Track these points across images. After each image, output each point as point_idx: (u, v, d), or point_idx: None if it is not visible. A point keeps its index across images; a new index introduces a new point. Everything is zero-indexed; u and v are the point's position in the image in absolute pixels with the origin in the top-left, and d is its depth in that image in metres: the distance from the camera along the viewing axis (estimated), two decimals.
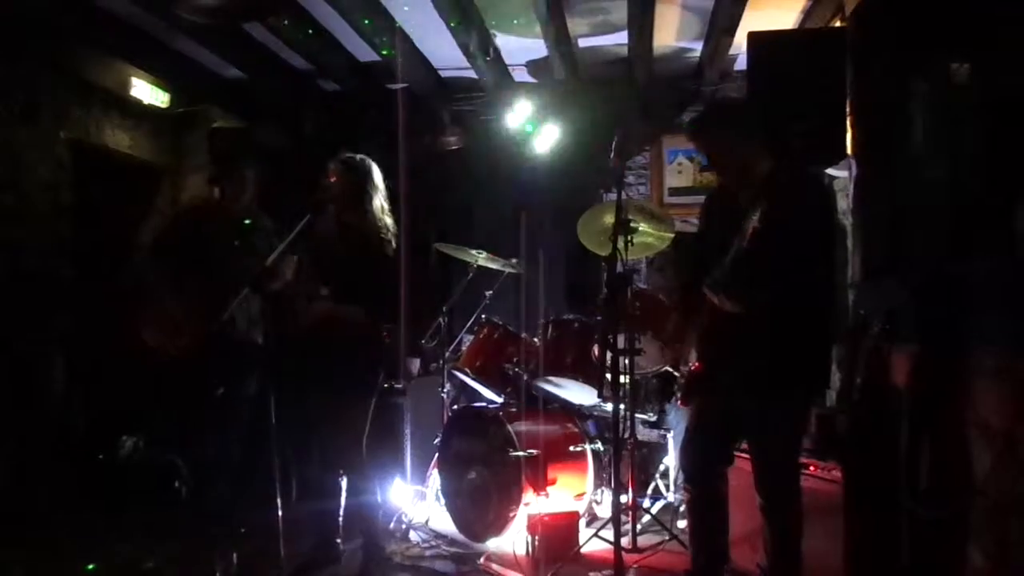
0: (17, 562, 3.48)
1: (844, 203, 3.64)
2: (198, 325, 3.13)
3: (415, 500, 4.05)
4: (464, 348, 4.51)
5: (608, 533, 3.25)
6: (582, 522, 3.72)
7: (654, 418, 4.22)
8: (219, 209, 3.46)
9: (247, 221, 3.41)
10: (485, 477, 3.74)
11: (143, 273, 3.40)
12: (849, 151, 2.85)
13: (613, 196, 3.35)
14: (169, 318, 3.22)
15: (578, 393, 4.00)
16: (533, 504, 3.58)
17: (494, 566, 3.40)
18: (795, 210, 2.46)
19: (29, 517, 3.99)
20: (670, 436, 4.10)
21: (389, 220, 3.33)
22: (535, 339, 4.12)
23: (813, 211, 2.54)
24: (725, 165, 2.70)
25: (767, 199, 2.39)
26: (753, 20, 3.96)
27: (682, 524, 3.63)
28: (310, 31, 4.55)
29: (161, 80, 5.16)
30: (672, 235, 3.88)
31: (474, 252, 4.22)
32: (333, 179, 3.26)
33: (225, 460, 3.30)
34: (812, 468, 2.92)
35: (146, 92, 5.11)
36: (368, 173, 3.30)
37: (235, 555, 3.07)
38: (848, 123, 2.80)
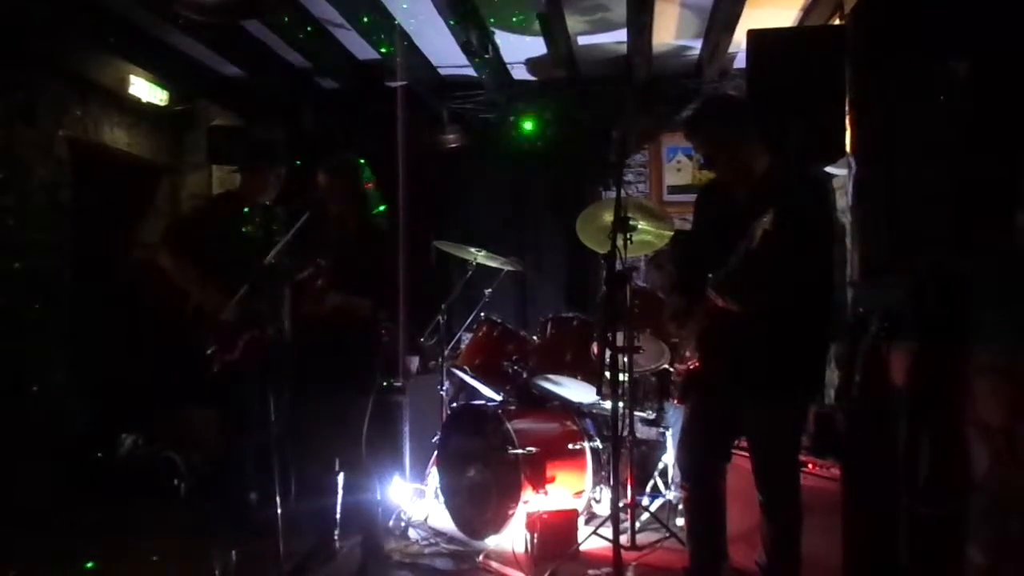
0: (17, 561, 3.48)
1: (843, 201, 3.64)
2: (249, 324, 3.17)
3: (414, 498, 4.05)
4: (463, 346, 4.51)
5: (607, 531, 3.26)
6: (581, 520, 3.72)
7: (653, 416, 4.22)
8: (246, 205, 3.48)
9: (275, 210, 3.43)
10: (484, 475, 3.74)
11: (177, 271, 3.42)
12: (848, 149, 2.85)
13: (612, 194, 3.35)
14: (226, 320, 3.24)
15: (577, 391, 4.01)
16: (532, 502, 3.58)
17: (493, 564, 3.41)
18: (807, 212, 2.45)
19: (28, 516, 3.99)
20: (669, 434, 4.10)
21: (381, 217, 3.33)
22: (534, 337, 4.12)
23: (823, 213, 2.54)
24: (721, 162, 2.69)
25: (776, 200, 2.36)
26: (752, 18, 3.96)
27: (680, 522, 3.63)
28: (309, 28, 4.54)
29: (159, 78, 5.16)
30: (671, 232, 3.88)
31: (473, 250, 4.22)
32: (324, 178, 3.27)
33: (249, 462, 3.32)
34: (811, 466, 2.92)
35: (144, 90, 5.11)
36: (359, 171, 3.31)
37: (234, 553, 3.07)
38: (847, 121, 2.80)
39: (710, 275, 2.53)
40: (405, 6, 4.24)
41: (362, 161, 3.35)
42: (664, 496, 4.14)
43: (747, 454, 2.72)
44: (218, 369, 3.29)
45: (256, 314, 3.15)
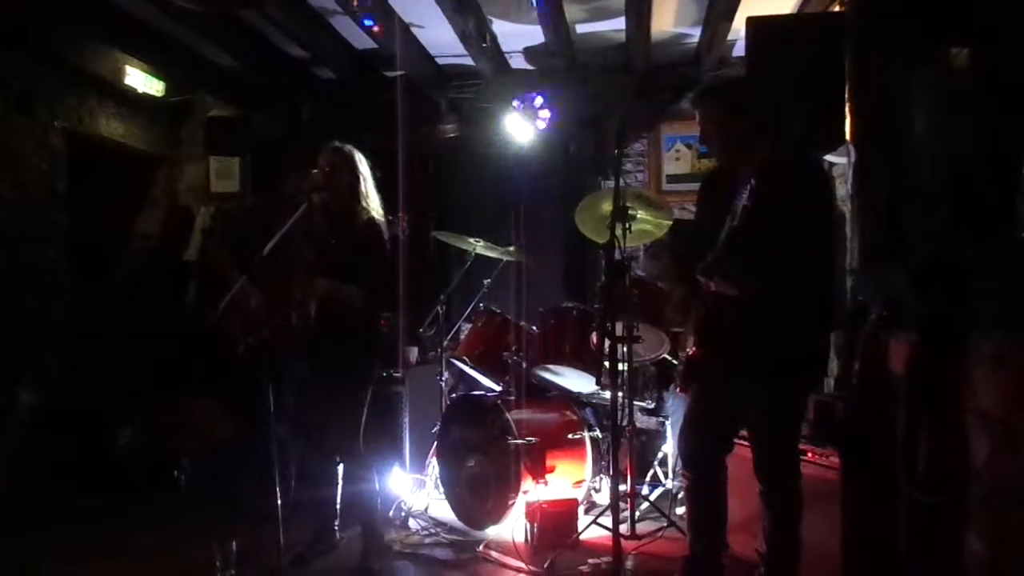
0: (18, 554, 3.49)
1: (843, 189, 3.64)
2: (272, 318, 3.17)
3: (414, 488, 4.06)
4: (462, 336, 4.51)
5: (607, 520, 3.26)
6: (581, 509, 3.73)
7: (652, 405, 4.23)
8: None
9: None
10: (484, 465, 3.74)
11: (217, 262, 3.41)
12: (848, 137, 2.83)
13: (611, 183, 3.34)
14: (242, 311, 3.24)
15: (576, 381, 4.01)
16: (532, 492, 3.59)
17: (493, 553, 3.42)
18: (783, 188, 2.46)
19: (28, 507, 4.00)
20: (668, 423, 4.11)
21: (377, 207, 3.32)
22: (533, 327, 4.12)
23: (808, 192, 2.53)
24: (715, 139, 2.69)
25: (759, 178, 2.40)
26: (752, 5, 3.94)
27: (680, 511, 3.64)
28: (306, 19, 4.52)
29: (155, 68, 5.13)
30: (670, 222, 3.88)
31: (472, 240, 4.21)
32: (322, 169, 3.25)
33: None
34: (810, 455, 2.92)
35: (140, 80, 5.08)
36: (354, 161, 3.29)
37: (234, 543, 3.08)
38: (847, 109, 2.78)
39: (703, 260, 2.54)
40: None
41: (358, 153, 3.33)
42: (664, 485, 4.15)
43: (747, 443, 2.73)
44: (243, 351, 3.29)
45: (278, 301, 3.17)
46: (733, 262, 2.49)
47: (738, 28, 4.23)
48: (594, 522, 3.49)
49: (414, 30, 4.79)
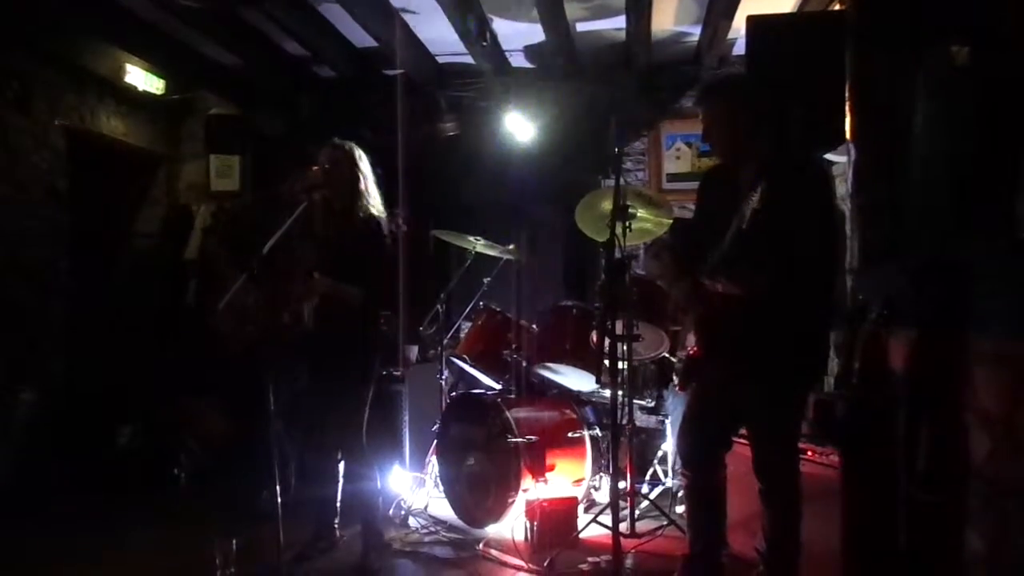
0: (18, 553, 3.49)
1: (843, 188, 3.64)
2: (266, 317, 3.18)
3: (414, 486, 4.06)
4: (462, 335, 4.51)
5: (606, 518, 3.26)
6: (580, 508, 3.73)
7: (652, 404, 4.23)
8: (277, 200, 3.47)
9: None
10: (484, 463, 3.74)
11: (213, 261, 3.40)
12: (848, 136, 2.83)
13: (611, 182, 3.34)
14: (239, 309, 3.24)
15: (576, 379, 4.01)
16: (532, 490, 3.59)
17: (493, 552, 3.42)
18: (796, 192, 2.45)
19: (28, 506, 4.00)
20: (668, 422, 4.11)
21: (378, 204, 3.31)
22: (533, 325, 4.12)
23: (814, 194, 2.53)
24: (716, 138, 2.69)
25: (767, 180, 2.39)
26: (752, 3, 3.93)
27: (680, 509, 3.64)
28: (306, 16, 4.51)
29: (155, 66, 5.13)
30: (670, 221, 3.88)
31: (472, 238, 4.21)
32: (322, 166, 3.24)
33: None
34: (810, 453, 2.93)
35: (140, 79, 5.08)
36: (355, 158, 3.28)
37: (234, 541, 3.08)
38: (847, 107, 2.78)
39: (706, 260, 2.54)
40: None
41: (359, 150, 3.33)
42: (664, 484, 4.15)
43: (747, 441, 2.73)
44: (241, 349, 3.30)
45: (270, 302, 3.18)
46: (743, 264, 2.48)
47: (738, 26, 4.23)
48: (594, 520, 3.49)
49: (414, 28, 4.78)
